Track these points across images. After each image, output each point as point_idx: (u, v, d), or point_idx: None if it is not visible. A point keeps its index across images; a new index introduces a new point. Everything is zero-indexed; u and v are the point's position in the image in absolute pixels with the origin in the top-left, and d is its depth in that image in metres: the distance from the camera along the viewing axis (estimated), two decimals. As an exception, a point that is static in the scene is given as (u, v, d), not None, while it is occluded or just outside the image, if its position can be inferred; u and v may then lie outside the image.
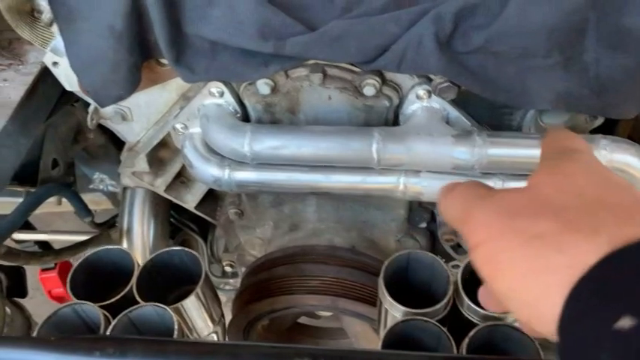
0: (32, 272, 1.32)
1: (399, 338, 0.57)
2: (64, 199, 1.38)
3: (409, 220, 0.96)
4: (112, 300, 0.62)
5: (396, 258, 0.62)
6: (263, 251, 1.03)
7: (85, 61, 0.75)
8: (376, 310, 0.83)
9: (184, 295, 0.69)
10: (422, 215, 0.96)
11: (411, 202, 0.95)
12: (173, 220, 1.27)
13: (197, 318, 0.66)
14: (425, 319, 0.57)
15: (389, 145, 0.75)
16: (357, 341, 1.02)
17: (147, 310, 0.60)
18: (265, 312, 0.87)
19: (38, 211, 1.48)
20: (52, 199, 1.35)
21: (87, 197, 1.46)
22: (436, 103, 0.78)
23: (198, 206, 1.06)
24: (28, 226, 1.56)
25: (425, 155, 0.75)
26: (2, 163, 0.92)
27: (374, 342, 1.00)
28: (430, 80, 0.77)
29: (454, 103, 0.78)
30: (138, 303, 0.63)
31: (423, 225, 0.97)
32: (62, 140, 1.27)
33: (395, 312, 0.60)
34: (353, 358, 0.46)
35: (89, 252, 0.66)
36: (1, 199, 1.33)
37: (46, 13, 0.80)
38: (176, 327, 0.58)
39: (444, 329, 0.56)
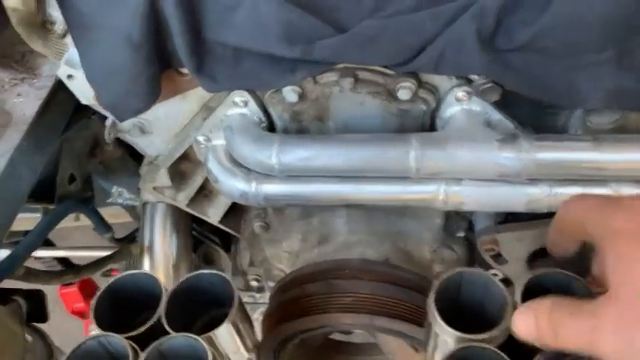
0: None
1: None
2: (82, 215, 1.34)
3: (445, 229, 0.91)
4: (141, 330, 0.58)
5: (448, 278, 0.57)
6: (291, 265, 0.98)
7: (102, 74, 0.71)
8: (416, 329, 0.78)
9: (215, 320, 0.64)
10: (459, 223, 0.91)
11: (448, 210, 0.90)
12: (195, 233, 1.23)
13: (231, 346, 0.61)
14: (483, 345, 0.52)
15: (428, 152, 0.70)
16: (394, 357, 0.97)
17: (178, 341, 0.55)
18: (297, 332, 0.82)
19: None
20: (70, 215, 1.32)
21: (106, 211, 1.42)
22: (477, 105, 0.73)
23: (221, 220, 1.01)
24: (46, 242, 1.53)
25: (467, 162, 0.69)
26: (18, 182, 0.88)
27: (412, 357, 0.95)
28: (470, 81, 0.72)
29: (495, 104, 0.73)
30: (167, 332, 0.58)
31: (461, 234, 0.92)
32: (78, 154, 1.23)
33: (447, 337, 0.55)
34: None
35: (113, 279, 0.62)
36: (19, 215, 1.29)
37: (59, 24, 0.76)
38: (210, 357, 0.53)
39: (505, 357, 0.51)
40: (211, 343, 0.58)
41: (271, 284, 1.03)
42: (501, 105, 0.74)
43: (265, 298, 1.20)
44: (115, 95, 0.72)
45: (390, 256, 0.88)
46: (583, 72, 0.66)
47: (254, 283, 1.13)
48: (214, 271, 0.61)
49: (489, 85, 0.68)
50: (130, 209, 1.40)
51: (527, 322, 0.48)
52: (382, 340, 0.97)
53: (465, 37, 0.64)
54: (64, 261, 1.66)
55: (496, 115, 0.73)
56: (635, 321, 0.36)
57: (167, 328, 0.57)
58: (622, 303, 0.38)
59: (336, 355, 1.02)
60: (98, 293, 0.61)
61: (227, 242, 1.24)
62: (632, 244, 0.41)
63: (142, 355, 0.54)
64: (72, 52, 0.77)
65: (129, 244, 1.24)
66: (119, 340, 0.56)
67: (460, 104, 0.73)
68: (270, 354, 0.87)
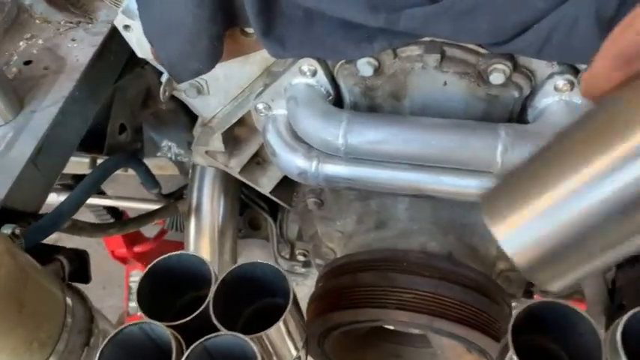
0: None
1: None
2: (130, 166, 1.31)
3: (517, 226, 0.82)
4: (186, 320, 0.53)
5: (529, 307, 0.49)
6: (342, 245, 0.92)
7: (161, 29, 0.64)
8: (478, 335, 0.72)
9: (263, 311, 0.59)
10: (533, 222, 0.82)
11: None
12: (242, 197, 1.19)
13: (281, 346, 0.57)
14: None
15: (518, 146, 0.61)
16: (443, 353, 0.92)
17: (226, 339, 0.51)
18: (348, 322, 0.77)
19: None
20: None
21: (152, 162, 1.39)
22: (578, 97, 0.63)
23: (273, 190, 0.95)
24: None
25: (563, 163, 0.60)
26: (69, 131, 0.85)
27: (462, 356, 0.89)
28: (573, 68, 0.62)
29: (601, 97, 0.63)
30: (212, 322, 0.54)
31: (534, 233, 0.83)
32: (131, 104, 1.19)
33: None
34: None
35: (159, 258, 0.57)
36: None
37: (119, -31, 0.70)
38: (259, 362, 0.48)
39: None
40: (260, 342, 0.54)
41: (319, 261, 0.98)
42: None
43: (311, 272, 1.15)
44: (174, 54, 0.65)
45: (454, 250, 0.81)
46: None
47: (300, 257, 1.09)
48: (269, 263, 0.56)
49: (601, 76, 0.58)
50: (179, 164, 1.36)
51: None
52: (432, 334, 0.91)
53: (579, 18, 0.54)
54: (110, 209, 1.66)
55: (600, 110, 0.64)
56: None
57: (215, 321, 0.52)
58: None
59: (382, 343, 0.98)
60: (143, 272, 0.56)
61: (274, 208, 1.20)
62: None
63: (186, 352, 0.50)
64: (130, 0, 0.70)
65: (176, 200, 1.21)
66: (162, 330, 0.52)
67: (559, 94, 0.63)
68: (315, 339, 0.83)
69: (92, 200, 1.40)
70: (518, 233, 0.27)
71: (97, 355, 0.51)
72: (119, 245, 1.78)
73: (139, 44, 0.76)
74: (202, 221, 1.07)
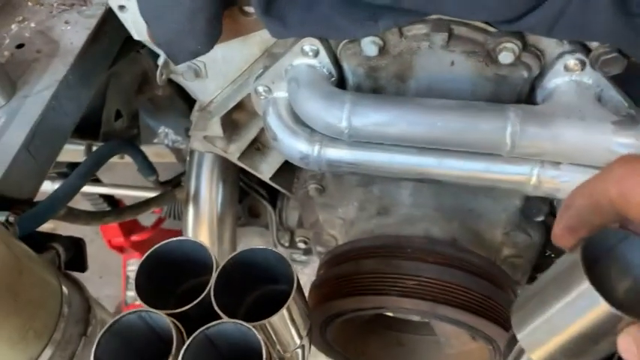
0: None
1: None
2: (126, 153, 1.29)
3: (523, 211, 0.81)
4: (186, 308, 0.52)
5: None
6: (344, 233, 0.90)
7: (157, 9, 0.62)
8: (482, 322, 0.70)
9: (265, 298, 0.58)
10: (539, 207, 0.81)
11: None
12: (241, 184, 1.17)
13: (284, 334, 0.55)
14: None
15: (529, 128, 0.59)
16: (447, 341, 0.90)
17: (228, 327, 0.49)
18: (350, 310, 0.75)
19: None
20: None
21: (150, 149, 1.36)
22: (589, 77, 0.61)
23: (273, 176, 0.93)
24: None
25: (574, 145, 0.59)
26: (62, 117, 0.82)
27: (466, 344, 0.88)
28: (584, 47, 0.60)
29: (612, 79, 0.61)
30: (214, 310, 0.52)
31: (540, 218, 0.82)
32: (126, 90, 1.17)
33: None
34: None
35: (159, 244, 0.56)
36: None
37: (112, -54, 0.67)
38: (264, 352, 0.47)
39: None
40: (263, 329, 0.52)
41: (320, 249, 0.97)
42: (618, 80, 0.62)
43: (311, 260, 1.14)
44: (171, 34, 0.63)
45: (458, 236, 0.79)
46: None
47: (301, 245, 1.07)
48: (270, 248, 0.54)
49: (613, 54, 0.56)
50: (176, 151, 1.34)
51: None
52: (436, 322, 0.89)
53: (594, -6, 0.52)
54: (106, 197, 1.64)
55: (610, 91, 0.62)
56: None
57: (216, 309, 0.51)
58: None
59: (385, 331, 0.96)
60: (142, 258, 0.55)
61: (273, 195, 1.18)
62: None
63: (188, 341, 0.48)
64: (126, -21, 0.68)
65: (173, 188, 1.18)
66: (162, 318, 0.50)
67: (569, 74, 0.61)
68: (317, 327, 0.81)
69: (88, 188, 1.37)
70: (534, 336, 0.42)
71: (95, 344, 0.49)
72: (116, 234, 1.77)
73: (135, 25, 0.74)
74: (201, 209, 1.05)
